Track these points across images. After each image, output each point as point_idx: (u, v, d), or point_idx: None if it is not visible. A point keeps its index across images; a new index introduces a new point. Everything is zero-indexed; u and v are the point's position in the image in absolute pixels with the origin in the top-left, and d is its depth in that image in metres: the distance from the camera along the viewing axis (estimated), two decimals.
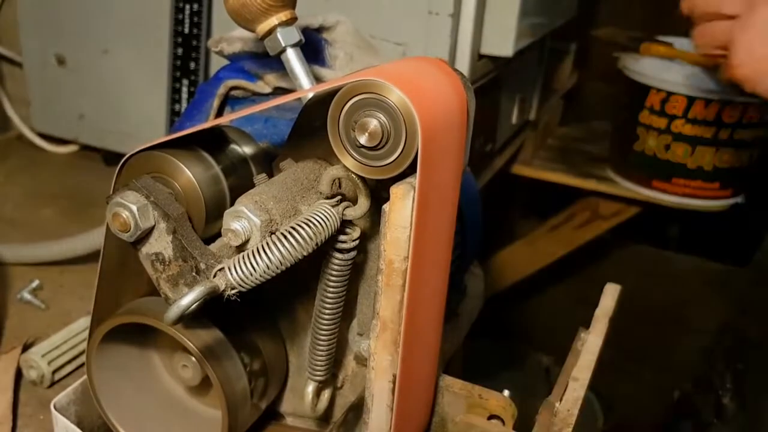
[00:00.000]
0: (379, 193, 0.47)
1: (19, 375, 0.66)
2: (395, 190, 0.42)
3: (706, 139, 1.16)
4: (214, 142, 0.54)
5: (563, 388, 0.55)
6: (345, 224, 0.47)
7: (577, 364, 0.57)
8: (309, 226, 0.43)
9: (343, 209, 0.46)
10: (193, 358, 0.53)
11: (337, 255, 0.49)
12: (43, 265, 0.83)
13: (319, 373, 0.54)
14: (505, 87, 1.09)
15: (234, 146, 0.55)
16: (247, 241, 0.45)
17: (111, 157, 1.09)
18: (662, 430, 1.31)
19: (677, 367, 1.44)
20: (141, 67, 0.99)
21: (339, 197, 0.47)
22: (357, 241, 0.49)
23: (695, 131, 1.16)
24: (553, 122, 1.49)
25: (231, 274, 0.42)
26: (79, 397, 0.56)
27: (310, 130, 0.51)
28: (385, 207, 0.43)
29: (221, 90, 0.67)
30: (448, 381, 0.55)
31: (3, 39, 1.13)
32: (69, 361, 0.67)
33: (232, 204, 0.46)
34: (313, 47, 0.66)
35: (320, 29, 0.67)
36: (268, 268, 0.42)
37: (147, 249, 0.47)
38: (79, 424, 0.55)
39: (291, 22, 0.56)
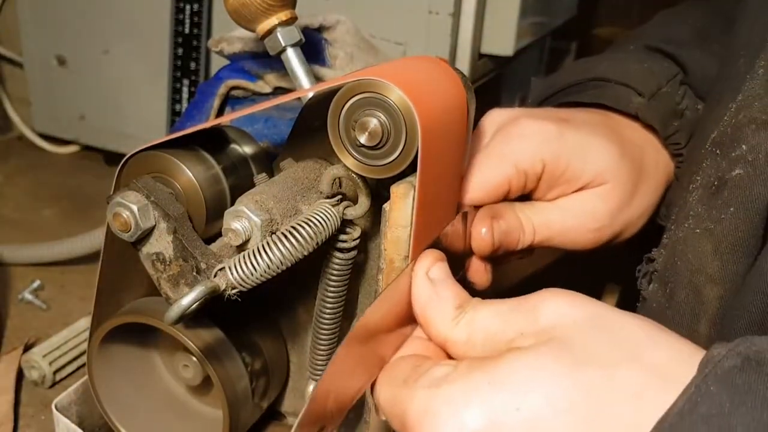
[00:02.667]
0: (379, 192, 0.47)
1: (20, 375, 0.66)
2: (395, 189, 0.42)
3: None
4: (214, 142, 0.54)
5: None
6: (345, 224, 0.47)
7: None
8: (309, 226, 0.43)
9: (344, 209, 0.46)
10: (194, 358, 0.53)
11: (338, 254, 0.49)
12: (44, 265, 0.83)
13: (320, 372, 0.54)
14: (505, 86, 1.08)
15: (234, 146, 0.55)
16: (247, 241, 0.45)
17: (112, 158, 1.09)
18: None
19: None
20: (141, 67, 0.99)
21: (339, 197, 0.47)
22: (357, 241, 0.49)
23: None
24: None
25: (231, 273, 0.42)
26: (81, 398, 0.56)
27: (310, 129, 0.51)
28: (386, 206, 0.43)
29: (221, 90, 0.67)
30: None
31: (4, 39, 1.13)
32: (70, 362, 0.67)
33: (232, 204, 0.46)
34: (313, 47, 0.66)
35: (320, 29, 0.67)
36: (269, 267, 0.42)
37: (148, 249, 0.47)
38: (80, 425, 0.55)
39: (291, 21, 0.56)
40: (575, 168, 0.53)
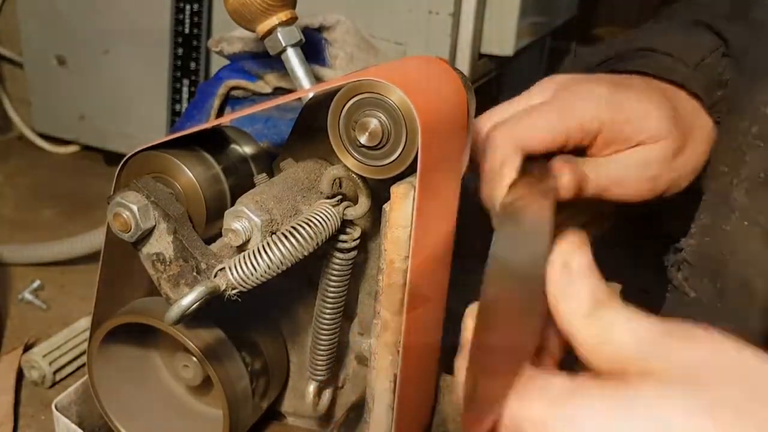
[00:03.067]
0: (379, 192, 0.47)
1: (20, 375, 0.66)
2: (396, 190, 0.42)
3: None
4: (214, 142, 0.54)
5: None
6: (346, 224, 0.47)
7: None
8: (310, 226, 0.43)
9: (344, 209, 0.46)
10: (194, 358, 0.53)
11: (338, 255, 0.49)
12: (44, 265, 0.83)
13: (320, 372, 0.54)
14: (505, 86, 1.08)
15: (234, 146, 0.55)
16: (247, 241, 0.45)
17: (112, 158, 1.09)
18: None
19: None
20: (141, 67, 0.99)
21: (339, 197, 0.47)
22: (357, 241, 0.49)
23: None
24: None
25: (232, 273, 0.42)
26: (81, 398, 0.56)
27: (310, 129, 0.51)
28: (386, 206, 0.44)
29: (222, 90, 0.67)
30: (449, 381, 0.55)
31: (4, 39, 1.13)
32: (70, 362, 0.67)
33: (232, 204, 0.46)
34: (313, 47, 0.66)
35: (320, 29, 0.67)
36: (269, 267, 0.42)
37: (148, 249, 0.47)
38: (80, 425, 0.55)
39: (291, 21, 0.56)
40: (632, 128, 0.54)
